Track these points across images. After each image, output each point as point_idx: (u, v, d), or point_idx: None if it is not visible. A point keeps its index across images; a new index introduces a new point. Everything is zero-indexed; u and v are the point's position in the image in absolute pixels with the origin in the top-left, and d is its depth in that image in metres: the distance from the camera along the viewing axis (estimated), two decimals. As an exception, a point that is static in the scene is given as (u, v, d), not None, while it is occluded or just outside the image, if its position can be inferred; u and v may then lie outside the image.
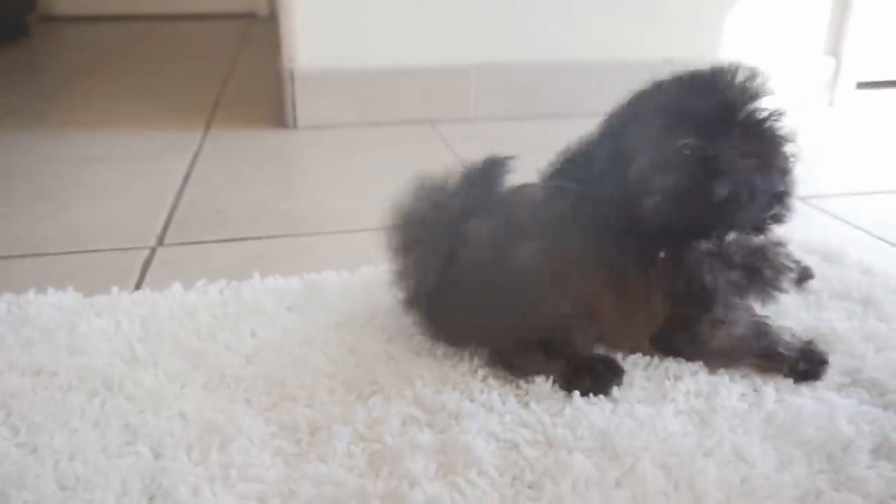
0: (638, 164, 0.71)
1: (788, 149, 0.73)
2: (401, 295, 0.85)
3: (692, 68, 0.73)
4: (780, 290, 0.78)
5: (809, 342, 0.80)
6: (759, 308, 0.78)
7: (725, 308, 0.76)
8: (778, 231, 0.78)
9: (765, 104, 0.73)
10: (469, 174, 0.83)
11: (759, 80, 0.72)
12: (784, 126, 0.74)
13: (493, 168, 0.82)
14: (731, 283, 0.75)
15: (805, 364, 0.78)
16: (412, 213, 0.83)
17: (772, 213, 0.73)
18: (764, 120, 0.72)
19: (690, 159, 0.69)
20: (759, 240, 0.77)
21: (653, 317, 0.78)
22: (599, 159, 0.74)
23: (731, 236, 0.75)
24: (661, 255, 0.75)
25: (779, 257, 0.78)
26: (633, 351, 0.82)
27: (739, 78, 0.72)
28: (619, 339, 0.81)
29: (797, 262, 0.89)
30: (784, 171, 0.72)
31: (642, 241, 0.74)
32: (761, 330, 0.78)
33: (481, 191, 0.82)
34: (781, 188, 0.72)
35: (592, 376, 0.76)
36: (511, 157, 0.82)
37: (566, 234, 0.76)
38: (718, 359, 0.79)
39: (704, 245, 0.75)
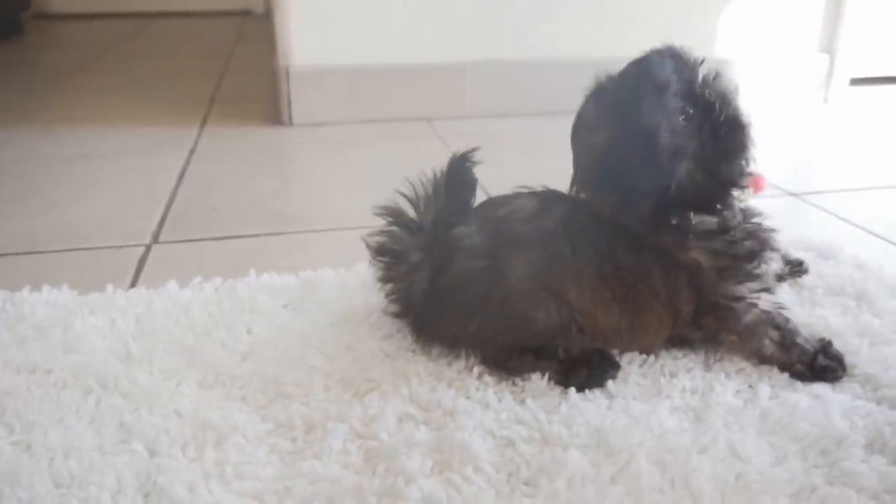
0: (662, 135, 0.73)
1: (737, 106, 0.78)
2: (391, 308, 0.86)
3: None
4: (778, 249, 0.81)
5: (824, 339, 0.80)
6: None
7: (759, 279, 0.78)
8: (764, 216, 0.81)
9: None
10: (439, 177, 0.83)
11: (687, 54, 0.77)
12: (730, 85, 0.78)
13: (459, 165, 0.82)
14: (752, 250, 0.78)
15: (825, 359, 0.78)
16: (395, 228, 0.84)
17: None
18: (718, 81, 0.77)
19: (693, 123, 0.74)
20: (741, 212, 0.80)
21: (679, 316, 0.78)
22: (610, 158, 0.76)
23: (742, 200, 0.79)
24: (693, 220, 0.77)
25: (761, 225, 0.81)
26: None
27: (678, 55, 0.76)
28: (631, 342, 0.80)
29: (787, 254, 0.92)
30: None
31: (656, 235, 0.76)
32: (783, 316, 0.79)
33: (457, 191, 0.82)
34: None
35: (588, 369, 0.77)
36: (475, 149, 0.82)
37: (559, 246, 0.77)
38: (743, 338, 0.79)
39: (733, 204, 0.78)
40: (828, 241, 1.10)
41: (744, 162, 0.77)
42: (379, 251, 0.84)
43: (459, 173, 0.82)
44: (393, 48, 1.90)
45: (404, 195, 0.84)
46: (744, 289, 0.77)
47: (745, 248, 0.77)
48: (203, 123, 1.93)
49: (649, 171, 0.73)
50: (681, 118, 0.74)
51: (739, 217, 0.78)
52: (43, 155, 1.64)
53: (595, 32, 1.99)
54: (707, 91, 0.76)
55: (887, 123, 2.03)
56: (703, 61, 0.77)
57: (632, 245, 0.76)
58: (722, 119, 0.75)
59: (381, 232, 0.84)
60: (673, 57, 0.75)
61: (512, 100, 1.99)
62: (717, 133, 0.75)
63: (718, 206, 0.77)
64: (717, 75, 0.77)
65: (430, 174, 0.83)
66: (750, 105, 0.78)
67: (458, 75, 1.96)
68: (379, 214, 0.84)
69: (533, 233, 0.78)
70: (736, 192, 0.78)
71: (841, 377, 0.77)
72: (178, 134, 1.82)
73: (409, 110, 1.95)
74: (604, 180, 0.76)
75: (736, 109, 0.76)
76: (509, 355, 0.79)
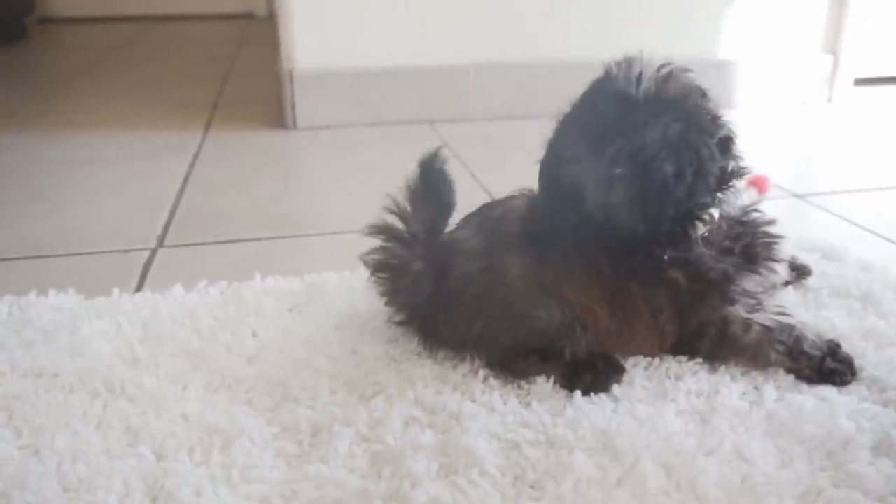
0: (589, 195, 0.71)
1: (705, 103, 0.72)
2: (397, 317, 0.86)
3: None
4: (777, 260, 0.78)
5: (832, 341, 0.80)
6: (769, 299, 0.78)
7: (743, 297, 0.76)
8: (774, 223, 0.80)
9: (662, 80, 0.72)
10: (414, 186, 0.83)
11: (642, 63, 0.72)
12: (691, 85, 0.73)
13: (429, 167, 0.82)
14: (733, 266, 0.76)
15: (832, 362, 0.77)
16: (390, 244, 0.84)
17: (725, 162, 0.73)
18: (665, 90, 0.72)
19: (624, 163, 0.70)
20: (743, 222, 0.78)
21: (663, 333, 0.78)
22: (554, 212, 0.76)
23: (714, 220, 0.76)
24: (665, 256, 0.75)
25: (765, 234, 0.79)
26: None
27: (629, 67, 0.72)
28: (621, 346, 0.80)
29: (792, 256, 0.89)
30: (708, 126, 0.71)
31: (633, 254, 0.75)
32: (787, 325, 0.78)
33: (436, 193, 0.83)
34: (720, 134, 0.72)
35: (593, 374, 0.77)
36: (440, 147, 0.83)
37: (554, 246, 0.76)
38: (748, 357, 0.78)
39: (696, 234, 0.75)
40: (832, 241, 1.10)
41: (689, 200, 0.71)
42: (378, 268, 0.84)
43: (432, 175, 0.82)
44: (396, 51, 1.91)
45: (390, 210, 0.84)
46: (738, 309, 0.76)
47: (719, 272, 0.75)
48: (207, 127, 1.94)
49: (583, 230, 0.73)
50: (612, 168, 0.69)
51: (707, 249, 0.76)
52: (46, 159, 1.65)
53: (598, 34, 1.99)
54: (648, 121, 0.69)
55: (891, 124, 2.03)
56: (641, 76, 0.71)
57: (612, 258, 0.76)
58: (652, 164, 0.69)
59: (377, 249, 0.84)
60: (610, 89, 0.71)
61: (515, 102, 1.99)
62: (648, 180, 0.70)
63: (679, 240, 0.74)
64: (665, 85, 0.71)
65: (405, 184, 0.83)
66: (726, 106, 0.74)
67: (460, 77, 1.96)
68: (370, 234, 0.84)
69: (524, 233, 0.78)
70: (697, 223, 0.75)
71: (849, 381, 0.77)
72: (181, 138, 1.82)
73: (412, 113, 1.95)
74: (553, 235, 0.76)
75: (674, 139, 0.69)
76: (514, 358, 0.79)
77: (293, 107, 1.88)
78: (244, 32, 3.98)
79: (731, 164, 0.74)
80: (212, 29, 4.17)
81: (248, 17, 4.63)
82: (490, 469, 0.65)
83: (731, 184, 0.75)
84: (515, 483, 0.64)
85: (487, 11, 1.93)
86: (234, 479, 0.65)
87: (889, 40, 2.32)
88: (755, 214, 0.80)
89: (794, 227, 0.84)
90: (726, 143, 0.73)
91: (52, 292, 0.97)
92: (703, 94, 0.73)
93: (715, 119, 0.72)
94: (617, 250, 0.75)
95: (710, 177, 0.71)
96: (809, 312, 0.91)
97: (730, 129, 0.73)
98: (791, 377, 0.78)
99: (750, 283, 0.77)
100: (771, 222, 0.80)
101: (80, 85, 2.53)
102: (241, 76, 2.69)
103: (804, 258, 1.01)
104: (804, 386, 0.76)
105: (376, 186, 0.84)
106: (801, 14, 2.13)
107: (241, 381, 0.79)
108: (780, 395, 0.75)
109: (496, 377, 0.78)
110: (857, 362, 0.79)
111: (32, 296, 0.96)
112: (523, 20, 1.95)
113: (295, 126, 1.90)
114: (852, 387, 0.76)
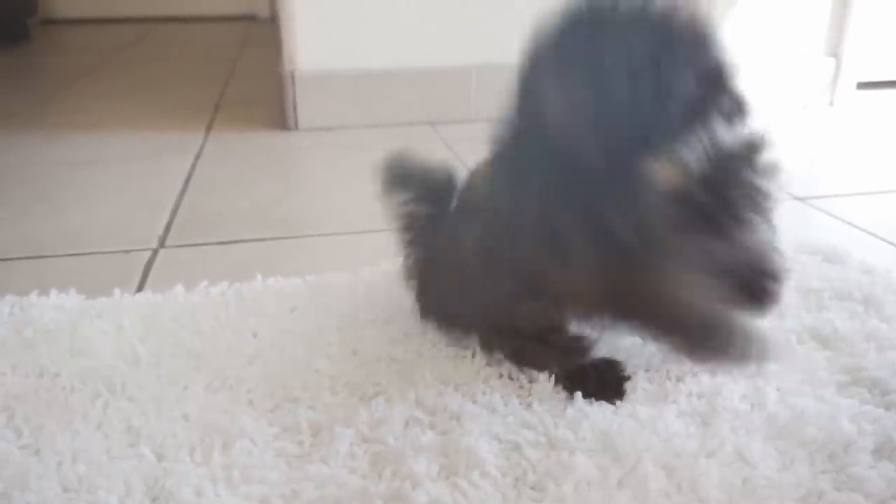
0: (551, 121, 0.64)
1: (692, 31, 0.63)
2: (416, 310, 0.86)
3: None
4: (747, 215, 0.68)
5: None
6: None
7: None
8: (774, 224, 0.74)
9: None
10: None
11: None
12: (681, 13, 0.64)
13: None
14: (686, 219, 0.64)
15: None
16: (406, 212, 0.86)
17: (707, 91, 0.63)
18: (645, 14, 0.62)
19: (585, 85, 0.62)
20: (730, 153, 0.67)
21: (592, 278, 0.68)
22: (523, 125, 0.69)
23: (683, 166, 0.64)
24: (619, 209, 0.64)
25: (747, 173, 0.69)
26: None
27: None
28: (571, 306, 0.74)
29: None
30: (684, 51, 0.62)
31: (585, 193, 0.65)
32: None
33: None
34: (704, 62, 0.63)
35: (591, 382, 0.75)
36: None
37: (506, 209, 0.72)
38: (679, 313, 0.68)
39: (652, 175, 0.64)
40: (834, 245, 1.10)
41: (650, 128, 0.61)
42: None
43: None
44: (397, 52, 1.91)
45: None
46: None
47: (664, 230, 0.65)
48: (209, 128, 1.94)
49: (548, 165, 0.65)
50: (573, 91, 0.63)
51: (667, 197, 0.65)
52: (48, 160, 1.65)
53: (600, 36, 1.99)
54: (617, 42, 0.61)
55: (894, 128, 2.03)
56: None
57: (568, 207, 0.67)
58: (611, 86, 0.60)
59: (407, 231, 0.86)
60: (582, 10, 0.65)
61: (517, 104, 1.99)
62: (607, 103, 0.61)
63: (632, 179, 0.64)
64: (647, 10, 0.61)
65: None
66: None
67: (462, 79, 1.96)
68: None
69: (481, 200, 0.77)
70: (655, 163, 0.63)
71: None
72: (183, 138, 1.82)
73: (414, 114, 1.95)
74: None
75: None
76: (507, 336, 0.78)
77: (295, 108, 1.89)
78: (246, 34, 3.99)
79: (717, 97, 0.64)
80: (214, 30, 4.17)
81: (251, 18, 4.63)
82: (491, 470, 0.65)
83: (712, 118, 0.63)
84: (516, 484, 0.64)
85: (489, 13, 1.93)
86: (234, 479, 0.65)
87: (892, 44, 2.32)
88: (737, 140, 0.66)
89: (795, 229, 0.83)
90: (715, 74, 0.63)
91: (53, 292, 0.97)
92: (697, 27, 0.64)
93: (700, 47, 0.63)
94: (575, 200, 0.65)
95: (676, 102, 0.61)
96: (811, 314, 0.90)
97: (723, 61, 0.64)
98: (793, 380, 0.77)
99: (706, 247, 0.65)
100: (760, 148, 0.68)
101: (82, 86, 2.54)
102: (243, 77, 2.70)
103: (806, 261, 1.01)
104: (806, 388, 0.76)
105: (377, 188, 0.84)
106: (804, 17, 2.13)
107: (242, 381, 0.79)
108: (782, 397, 0.75)
109: (497, 377, 0.78)
110: (858, 364, 0.79)
111: (34, 296, 0.97)
112: (524, 21, 1.95)
113: (296, 127, 1.90)
114: (854, 389, 0.76)
